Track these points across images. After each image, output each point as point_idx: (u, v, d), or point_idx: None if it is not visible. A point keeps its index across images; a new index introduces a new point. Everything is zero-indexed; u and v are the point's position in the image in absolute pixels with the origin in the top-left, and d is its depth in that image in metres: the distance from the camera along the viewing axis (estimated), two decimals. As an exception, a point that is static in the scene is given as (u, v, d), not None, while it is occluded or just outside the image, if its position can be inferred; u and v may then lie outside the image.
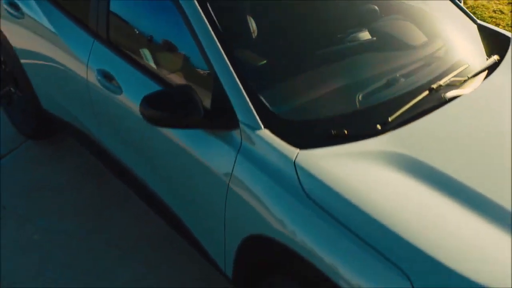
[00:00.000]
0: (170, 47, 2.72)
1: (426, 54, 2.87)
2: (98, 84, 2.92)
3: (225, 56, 2.40)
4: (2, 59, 3.98)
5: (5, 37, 3.65)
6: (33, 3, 3.36)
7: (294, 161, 2.16)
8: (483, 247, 1.93)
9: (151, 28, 2.81)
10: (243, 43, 2.61)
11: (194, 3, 2.49)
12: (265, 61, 2.59)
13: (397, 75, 2.67)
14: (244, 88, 2.34)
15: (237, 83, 2.35)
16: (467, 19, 3.17)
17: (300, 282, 2.24)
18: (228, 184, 2.33)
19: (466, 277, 1.80)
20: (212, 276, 3.03)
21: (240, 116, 2.32)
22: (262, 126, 2.29)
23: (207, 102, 2.38)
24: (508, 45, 2.96)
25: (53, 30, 3.23)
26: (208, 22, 2.45)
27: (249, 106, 2.32)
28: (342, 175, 2.11)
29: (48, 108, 3.69)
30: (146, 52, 2.78)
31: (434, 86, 2.57)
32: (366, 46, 2.85)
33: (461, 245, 1.92)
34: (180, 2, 2.53)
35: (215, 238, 2.59)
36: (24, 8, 3.42)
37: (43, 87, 3.58)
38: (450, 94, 2.57)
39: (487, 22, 4.10)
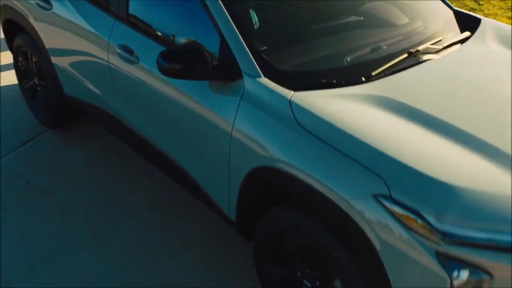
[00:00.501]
0: (182, 17, 3.13)
1: (407, 30, 3.27)
2: (118, 58, 3.31)
3: (231, 20, 2.80)
4: (29, 52, 4.37)
5: (36, 31, 4.06)
6: (61, -5, 3.80)
7: (289, 99, 2.53)
8: (451, 159, 2.27)
9: (165, 5, 3.22)
10: (245, 9, 3.01)
11: None
12: (264, 24, 2.99)
13: (381, 44, 3.07)
14: (247, 45, 2.74)
15: (241, 42, 2.75)
16: (445, 6, 3.59)
17: (298, 208, 2.58)
18: (232, 126, 2.69)
19: (438, 180, 2.13)
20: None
21: (243, 68, 2.70)
22: (262, 75, 2.66)
23: (214, 62, 2.75)
24: (479, 24, 3.37)
25: (78, 16, 3.65)
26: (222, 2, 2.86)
27: (251, 59, 2.70)
28: (328, 108, 2.48)
29: (69, 92, 4.08)
30: (161, 25, 3.18)
31: (413, 50, 2.97)
32: (355, 22, 3.26)
33: (432, 157, 2.26)
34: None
35: (220, 183, 2.93)
36: (52, 0, 3.85)
37: (66, 72, 3.98)
38: (426, 57, 2.96)
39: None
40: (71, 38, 3.76)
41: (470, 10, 5.70)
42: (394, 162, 2.22)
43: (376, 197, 2.18)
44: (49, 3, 3.87)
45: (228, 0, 2.87)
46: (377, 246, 2.21)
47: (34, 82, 4.53)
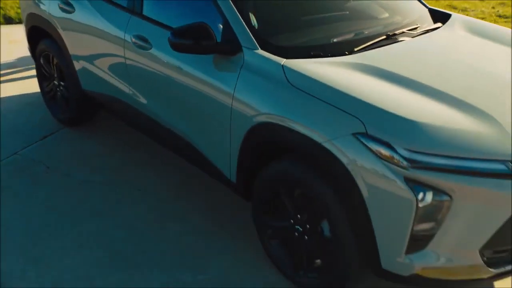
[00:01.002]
0: (189, 6, 3.61)
1: (387, 22, 3.75)
2: (133, 46, 3.79)
3: (232, 5, 3.28)
4: (51, 56, 4.86)
5: (59, 34, 4.55)
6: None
7: (282, 64, 2.99)
8: (416, 104, 2.70)
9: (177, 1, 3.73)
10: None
11: None
12: (261, 7, 3.48)
13: (363, 30, 3.55)
14: (246, 25, 3.21)
15: (241, 21, 3.23)
16: (421, 4, 4.09)
17: (290, 158, 3.00)
18: (234, 92, 3.13)
19: (405, 118, 2.56)
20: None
21: (242, 43, 3.17)
22: (259, 48, 3.12)
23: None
24: (449, 18, 3.88)
25: (97, 15, 4.15)
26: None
27: (250, 35, 3.17)
28: (314, 69, 2.93)
29: (87, 87, 4.55)
30: (171, 14, 3.67)
31: (390, 33, 3.44)
32: (342, 15, 3.78)
33: (400, 103, 2.69)
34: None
35: (223, 148, 3.34)
36: (74, 3, 4.36)
37: (84, 69, 4.45)
38: (402, 38, 3.43)
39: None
40: (90, 36, 4.24)
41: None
42: (369, 106, 2.65)
43: (355, 135, 2.60)
44: (71, 6, 4.38)
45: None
46: (356, 177, 2.61)
47: (54, 84, 4.99)
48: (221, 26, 3.31)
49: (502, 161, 2.51)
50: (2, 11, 8.25)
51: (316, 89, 2.82)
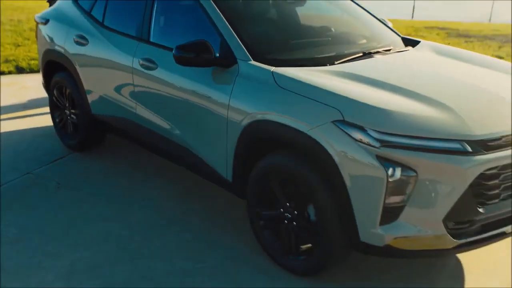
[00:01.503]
0: (191, 29, 4.14)
1: (364, 45, 4.28)
2: (140, 68, 4.29)
3: (229, 26, 3.82)
4: (64, 87, 5.36)
5: (73, 65, 5.07)
6: (96, 32, 4.86)
7: (272, 71, 3.48)
8: (386, 98, 3.17)
9: (179, 25, 4.28)
10: (239, 17, 4.03)
11: (211, 3, 3.96)
12: (253, 27, 4.02)
13: (344, 50, 4.07)
14: (240, 41, 3.73)
15: (236, 39, 3.74)
16: (394, 33, 4.65)
17: (279, 151, 3.43)
18: (230, 97, 3.60)
19: (375, 107, 3.02)
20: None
21: (237, 56, 3.67)
22: (252, 59, 3.63)
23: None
24: (419, 43, 4.43)
25: (108, 44, 4.68)
26: (218, 9, 3.90)
27: (244, 50, 3.68)
28: (298, 74, 3.41)
29: (96, 112, 5.02)
30: (175, 38, 4.19)
31: (366, 51, 3.97)
32: (327, 40, 4.32)
33: (371, 97, 3.16)
34: (201, 1, 4.00)
35: (220, 150, 3.77)
36: (88, 36, 4.91)
37: (94, 94, 4.94)
38: (376, 55, 3.96)
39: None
40: (101, 64, 4.76)
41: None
42: (345, 99, 3.12)
43: (334, 122, 3.05)
44: (85, 38, 4.92)
45: (226, 13, 3.90)
46: (336, 158, 3.03)
47: (65, 113, 5.47)
48: (219, 43, 3.80)
49: (458, 141, 2.95)
50: (14, 63, 8.85)
51: (300, 88, 3.29)
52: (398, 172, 2.92)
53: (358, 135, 2.98)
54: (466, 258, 3.72)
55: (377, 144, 2.93)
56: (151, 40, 4.38)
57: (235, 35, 3.77)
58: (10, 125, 6.22)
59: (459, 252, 3.27)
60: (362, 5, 4.82)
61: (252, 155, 3.63)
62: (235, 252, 3.78)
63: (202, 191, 4.63)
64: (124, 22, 4.72)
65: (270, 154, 3.52)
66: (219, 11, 3.92)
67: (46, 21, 5.55)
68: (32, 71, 8.73)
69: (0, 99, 7.14)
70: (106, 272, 3.54)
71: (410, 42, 4.50)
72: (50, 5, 6.81)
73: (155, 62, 4.20)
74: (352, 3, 4.87)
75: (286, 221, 3.50)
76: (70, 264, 3.62)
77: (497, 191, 3.08)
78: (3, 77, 8.31)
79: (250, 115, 3.47)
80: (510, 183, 3.13)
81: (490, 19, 22.05)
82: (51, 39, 5.39)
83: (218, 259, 3.70)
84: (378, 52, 4.07)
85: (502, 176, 3.06)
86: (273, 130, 3.37)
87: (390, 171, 2.92)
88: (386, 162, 2.92)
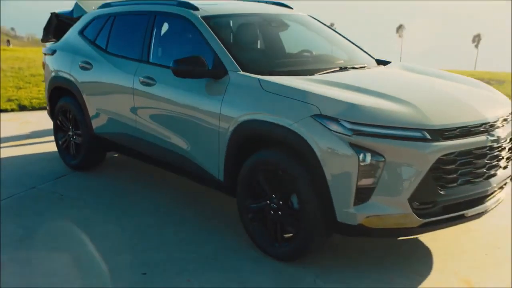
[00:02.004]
0: (187, 49, 4.66)
1: (342, 63, 4.80)
2: (140, 85, 4.77)
3: (221, 44, 4.33)
4: (68, 110, 5.82)
5: (78, 89, 5.55)
6: (100, 57, 5.36)
7: (258, 78, 3.96)
8: (357, 96, 3.65)
9: (175, 46, 4.80)
10: (228, 39, 4.55)
11: (204, 23, 4.49)
12: (241, 46, 4.53)
13: (323, 66, 4.58)
14: (230, 55, 4.23)
15: (227, 54, 4.25)
16: (369, 56, 5.19)
17: (266, 147, 3.87)
18: (221, 103, 4.07)
19: (348, 102, 3.49)
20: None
21: (228, 67, 4.16)
22: (240, 70, 4.13)
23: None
24: (390, 63, 4.96)
25: (111, 67, 5.17)
26: (212, 31, 4.43)
27: (234, 62, 4.18)
28: (281, 80, 3.90)
29: (98, 131, 5.46)
30: (172, 57, 4.67)
31: (342, 67, 4.49)
32: (307, 57, 4.84)
33: (345, 95, 3.64)
34: (195, 24, 4.53)
35: (212, 152, 4.19)
36: (92, 61, 5.41)
37: (97, 114, 5.39)
38: (351, 70, 4.48)
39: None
40: (104, 86, 5.24)
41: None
42: (322, 97, 3.59)
43: (312, 116, 3.51)
44: (90, 63, 5.42)
45: (217, 33, 4.42)
46: (315, 147, 3.48)
47: (68, 135, 5.91)
48: (212, 59, 4.30)
49: (419, 130, 3.42)
50: (17, 101, 9.34)
51: (283, 91, 3.77)
52: (369, 157, 3.36)
53: (333, 126, 3.44)
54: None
55: (349, 133, 3.38)
56: (151, 60, 4.87)
57: (226, 50, 4.27)
58: (14, 151, 6.63)
59: (424, 231, 3.66)
60: (344, 35, 5.37)
61: (241, 154, 4.05)
62: (225, 244, 4.15)
63: (195, 198, 5.02)
64: (126, 47, 5.24)
65: (256, 153, 3.95)
66: (211, 32, 4.44)
67: (53, 52, 6.06)
68: (33, 108, 9.20)
69: (3, 130, 7.56)
70: (109, 260, 3.89)
71: (382, 63, 5.03)
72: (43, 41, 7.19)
73: (154, 79, 4.68)
74: (333, 31, 5.43)
75: (272, 212, 3.89)
76: (75, 257, 3.97)
77: (454, 175, 3.52)
78: (7, 114, 8.78)
79: (239, 117, 3.92)
80: (466, 170, 3.57)
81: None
82: (58, 67, 5.89)
83: (210, 250, 4.06)
84: (353, 68, 4.58)
85: (458, 162, 3.51)
86: (260, 128, 3.82)
87: (361, 156, 3.35)
88: (358, 149, 3.36)
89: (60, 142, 6.08)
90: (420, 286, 3.61)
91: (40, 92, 10.07)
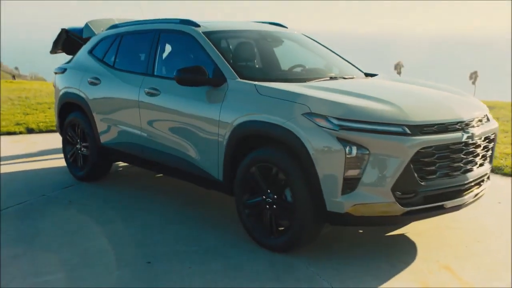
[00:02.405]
0: (189, 61, 5.05)
1: (332, 75, 5.19)
2: (146, 96, 5.15)
3: (220, 55, 4.73)
4: (77, 124, 6.19)
5: (87, 104, 5.93)
6: (108, 73, 5.76)
7: (255, 84, 4.35)
8: (343, 97, 4.02)
9: (178, 59, 5.19)
10: (226, 51, 4.95)
11: (205, 38, 4.91)
12: (239, 58, 4.93)
13: (315, 76, 4.97)
14: (229, 65, 4.63)
15: (225, 63, 4.65)
16: (359, 70, 5.58)
17: (262, 145, 4.21)
18: (221, 108, 4.44)
19: (335, 101, 3.87)
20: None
21: (226, 76, 4.55)
22: (238, 78, 4.51)
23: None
24: (377, 75, 5.36)
25: (118, 82, 5.56)
26: (212, 44, 4.84)
27: (232, 71, 4.57)
28: (276, 85, 4.28)
29: (105, 142, 5.82)
30: (175, 69, 5.07)
31: (332, 76, 4.88)
32: (302, 70, 5.24)
33: (332, 96, 4.01)
34: (197, 38, 4.95)
35: (212, 154, 4.54)
36: (100, 77, 5.81)
37: (104, 126, 5.76)
38: (340, 79, 4.86)
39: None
40: (111, 99, 5.62)
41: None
42: (312, 97, 3.96)
43: (303, 114, 3.88)
44: (98, 79, 5.82)
45: (217, 46, 4.83)
46: (306, 142, 3.82)
47: (76, 148, 6.26)
48: (212, 69, 4.69)
49: (399, 125, 3.78)
50: (25, 125, 9.73)
51: (277, 94, 4.15)
52: (354, 150, 3.71)
53: (322, 122, 3.80)
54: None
55: (336, 128, 3.74)
56: (155, 73, 5.27)
57: (225, 61, 4.67)
58: (23, 167, 6.96)
59: (407, 220, 3.98)
60: (336, 52, 5.79)
61: (238, 154, 4.39)
62: (225, 240, 4.45)
63: (197, 202, 5.33)
64: (132, 63, 5.64)
65: (252, 151, 4.29)
66: (212, 45, 4.84)
67: (63, 71, 6.47)
68: (41, 131, 9.56)
69: (12, 150, 7.92)
70: (115, 253, 4.20)
71: (370, 75, 5.42)
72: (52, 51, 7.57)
73: (158, 90, 5.07)
74: (326, 48, 5.84)
75: (267, 206, 4.21)
76: (84, 249, 4.28)
77: (433, 167, 3.86)
78: (15, 136, 9.13)
79: (237, 119, 4.29)
80: (444, 163, 3.91)
81: None
82: (68, 84, 6.28)
83: (211, 244, 4.36)
84: (343, 78, 4.97)
85: (436, 155, 3.85)
86: (256, 127, 4.18)
87: (348, 149, 3.70)
88: (345, 142, 3.72)
89: (68, 155, 6.41)
90: (404, 271, 3.90)
91: (46, 117, 10.43)
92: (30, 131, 9.56)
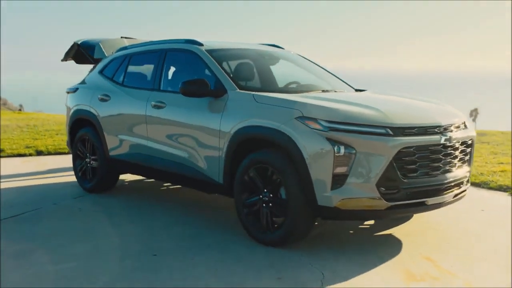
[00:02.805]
0: (193, 75, 5.49)
1: (324, 90, 5.63)
2: (152, 109, 5.59)
3: (222, 70, 5.19)
4: (87, 138, 6.61)
5: (98, 119, 6.37)
6: (117, 90, 6.22)
7: (252, 94, 4.79)
8: (331, 104, 4.45)
9: (182, 75, 5.64)
10: (228, 67, 5.41)
11: (207, 54, 5.37)
12: (240, 72, 5.39)
13: (308, 90, 5.42)
14: (229, 78, 5.08)
15: (226, 76, 5.10)
16: (349, 86, 6.03)
17: (259, 148, 4.62)
18: (221, 116, 4.87)
19: (324, 106, 4.30)
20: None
21: (227, 87, 4.99)
22: (237, 89, 4.96)
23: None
24: (365, 90, 5.80)
25: (127, 97, 6.01)
26: (214, 60, 5.30)
27: (232, 83, 5.02)
28: (272, 95, 4.73)
29: (113, 155, 6.23)
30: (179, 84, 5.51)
31: (324, 90, 5.33)
32: (295, 85, 5.69)
33: (322, 103, 4.45)
34: (200, 55, 5.41)
35: (214, 159, 4.95)
36: (110, 93, 6.27)
37: (112, 140, 6.18)
38: (330, 91, 5.31)
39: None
40: (120, 114, 6.06)
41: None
42: (304, 103, 4.39)
43: (296, 118, 4.30)
44: (108, 96, 6.27)
45: (219, 62, 5.29)
46: (299, 143, 4.23)
47: (85, 161, 6.67)
48: (213, 82, 5.13)
49: (383, 127, 4.19)
50: (34, 148, 10.16)
51: (273, 101, 4.58)
52: (342, 149, 4.11)
53: (313, 125, 4.21)
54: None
55: (326, 130, 4.15)
56: (162, 88, 5.72)
57: (225, 74, 5.12)
58: (34, 182, 7.36)
59: (391, 214, 4.34)
60: (329, 70, 6.25)
61: (237, 158, 4.79)
62: (225, 237, 4.81)
63: (199, 208, 5.71)
64: (140, 80, 6.11)
65: (250, 154, 4.70)
66: (214, 61, 5.30)
67: (75, 90, 6.93)
68: (49, 153, 9.98)
69: (22, 169, 8.33)
70: (123, 248, 4.56)
71: (360, 90, 5.86)
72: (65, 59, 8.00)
73: (164, 102, 5.51)
74: (319, 67, 6.31)
75: (264, 204, 4.59)
76: (94, 245, 4.64)
77: (414, 166, 4.25)
78: (25, 157, 9.55)
79: (237, 125, 4.70)
80: (424, 163, 4.31)
81: None
82: (79, 101, 6.73)
83: (212, 241, 4.73)
84: (334, 91, 5.41)
85: (417, 155, 4.25)
86: (254, 131, 4.59)
87: (336, 148, 4.11)
88: (333, 142, 4.12)
89: (77, 169, 6.81)
90: (389, 261, 4.25)
91: (54, 141, 10.85)
92: (39, 153, 9.97)
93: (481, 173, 7.45)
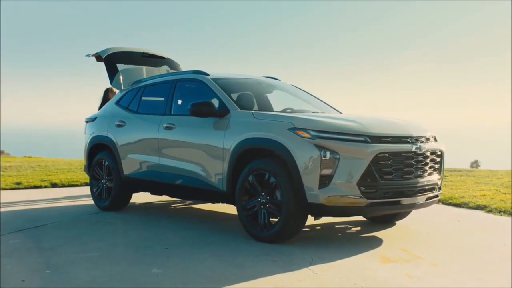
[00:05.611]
0: (200, 98, 6.29)
1: (312, 111, 6.42)
2: (164, 130, 6.36)
3: (225, 94, 6.00)
4: (103, 161, 7.36)
5: (114, 143, 7.14)
6: (132, 116, 7.02)
7: (252, 112, 5.59)
8: (322, 117, 5.23)
9: (190, 100, 6.41)
10: (231, 92, 6.21)
11: (213, 82, 6.20)
12: (241, 96, 6.19)
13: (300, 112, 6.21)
14: (232, 100, 5.89)
15: (229, 99, 5.91)
16: (334, 109, 6.83)
17: (258, 157, 5.37)
18: (225, 133, 5.65)
19: (313, 119, 5.09)
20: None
21: (230, 108, 5.79)
22: (239, 109, 5.76)
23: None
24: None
25: (141, 122, 6.80)
26: (219, 86, 6.12)
27: (234, 105, 5.82)
28: (267, 112, 5.52)
29: (127, 173, 6.97)
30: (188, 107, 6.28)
31: (313, 111, 6.13)
32: (288, 111, 6.48)
33: (313, 117, 5.23)
34: (206, 83, 6.24)
35: (219, 170, 5.69)
36: (125, 119, 7.06)
37: (126, 160, 6.92)
38: (320, 113, 6.10)
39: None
40: (135, 135, 6.84)
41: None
42: (295, 117, 5.18)
43: (289, 129, 5.07)
44: (124, 122, 7.07)
45: (223, 88, 6.10)
46: (291, 150, 4.98)
47: (102, 182, 7.39)
48: (218, 104, 5.93)
49: (362, 135, 4.95)
50: (49, 181, 10.89)
51: (269, 117, 5.37)
52: (328, 154, 4.86)
53: (303, 134, 4.97)
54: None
55: (314, 138, 4.91)
56: (172, 113, 6.51)
57: (228, 97, 5.93)
58: (52, 205, 8.06)
59: (371, 211, 5.05)
60: (320, 98, 7.06)
61: (238, 166, 5.52)
62: (227, 236, 5.49)
63: (203, 218, 6.39)
64: (153, 107, 6.92)
65: (250, 162, 5.44)
66: (218, 87, 6.12)
67: (94, 119, 7.73)
68: (63, 185, 10.69)
69: (39, 196, 9.04)
70: (139, 244, 5.24)
71: (344, 110, 6.66)
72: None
73: (174, 124, 6.29)
74: (311, 95, 7.12)
75: (261, 206, 5.30)
76: (112, 243, 5.33)
77: (389, 169, 4.98)
78: (40, 189, 10.26)
79: (238, 138, 5.46)
80: (398, 167, 5.04)
81: None
82: (97, 128, 7.52)
83: (215, 239, 5.40)
84: (322, 112, 6.21)
85: (391, 160, 4.99)
86: (253, 142, 5.34)
87: (323, 153, 4.85)
88: (320, 148, 4.87)
89: (94, 190, 7.53)
90: (369, 251, 4.92)
91: (67, 176, 11.57)
92: (54, 185, 10.68)
93: (462, 196, 8.13)
